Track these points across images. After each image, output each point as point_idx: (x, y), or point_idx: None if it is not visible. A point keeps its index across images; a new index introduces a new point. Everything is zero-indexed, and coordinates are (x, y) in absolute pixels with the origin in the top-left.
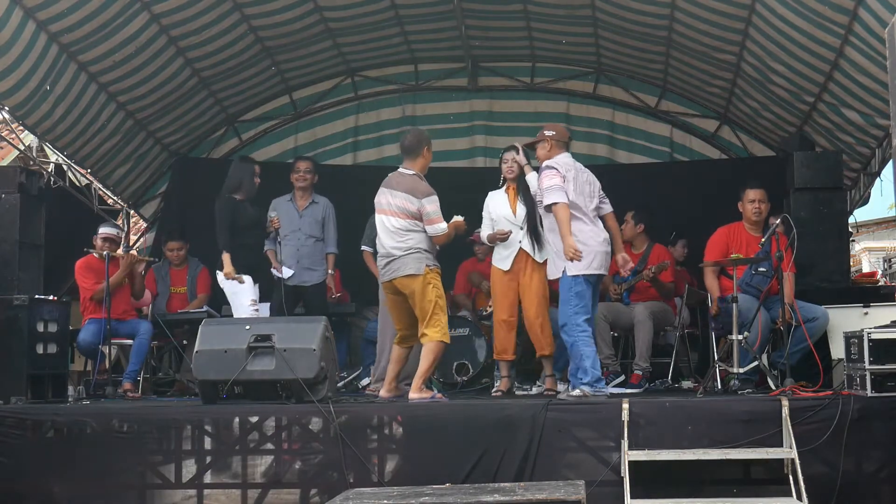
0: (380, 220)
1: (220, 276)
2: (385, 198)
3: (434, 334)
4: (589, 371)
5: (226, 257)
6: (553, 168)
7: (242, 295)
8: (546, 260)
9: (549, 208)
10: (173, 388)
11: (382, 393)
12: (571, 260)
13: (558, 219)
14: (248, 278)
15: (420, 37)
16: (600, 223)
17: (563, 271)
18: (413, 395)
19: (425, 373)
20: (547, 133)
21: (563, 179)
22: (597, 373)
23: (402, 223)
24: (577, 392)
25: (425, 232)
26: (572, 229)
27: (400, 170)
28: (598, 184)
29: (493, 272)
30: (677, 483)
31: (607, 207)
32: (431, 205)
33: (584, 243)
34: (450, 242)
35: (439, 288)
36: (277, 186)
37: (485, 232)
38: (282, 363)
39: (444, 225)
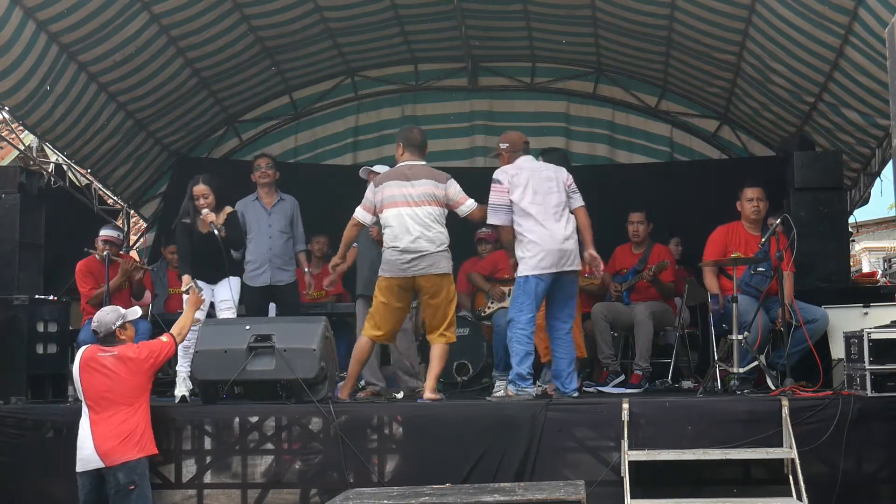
0: (399, 213)
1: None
2: (402, 190)
3: (452, 336)
4: (515, 369)
5: (185, 278)
6: (497, 182)
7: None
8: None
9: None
10: (173, 388)
11: (342, 395)
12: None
13: (503, 241)
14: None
15: (420, 37)
16: (564, 220)
17: (517, 272)
18: (429, 395)
19: (439, 374)
20: (502, 146)
21: (509, 190)
22: (522, 371)
23: (433, 211)
24: (500, 393)
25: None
26: (524, 229)
27: (409, 162)
28: (562, 179)
29: None
30: (677, 483)
31: (577, 202)
32: (456, 184)
33: (535, 242)
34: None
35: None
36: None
37: None
38: (282, 363)
39: (472, 201)
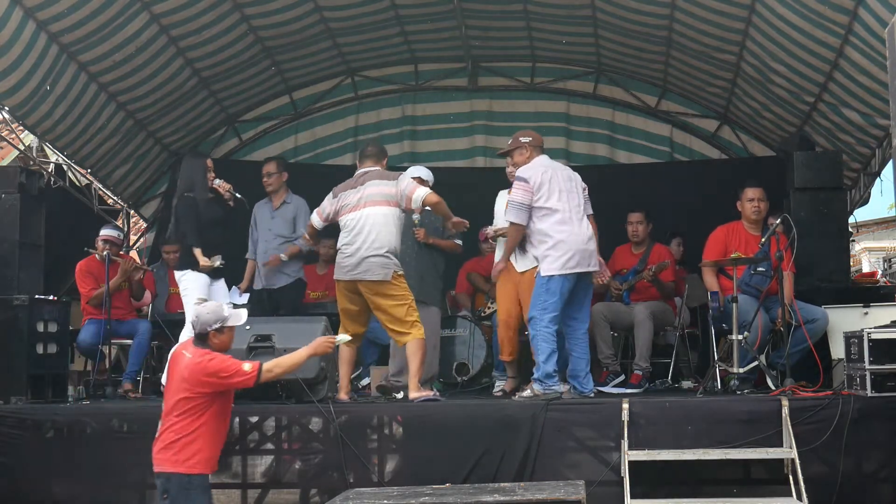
0: (349, 218)
1: (180, 274)
2: (355, 196)
3: (418, 332)
4: (541, 367)
5: (197, 252)
6: (524, 181)
7: (191, 294)
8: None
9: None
10: None
11: (341, 396)
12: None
13: (508, 237)
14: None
15: (420, 37)
16: (584, 221)
17: (538, 270)
18: (415, 394)
19: (419, 371)
20: (524, 139)
21: (535, 190)
22: (548, 369)
23: (384, 212)
24: (527, 393)
25: (396, 230)
26: (550, 228)
27: (360, 171)
28: (579, 182)
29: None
30: (677, 483)
31: (588, 209)
32: (407, 178)
33: (564, 241)
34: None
35: (407, 288)
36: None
37: (491, 230)
38: None
39: (426, 188)
